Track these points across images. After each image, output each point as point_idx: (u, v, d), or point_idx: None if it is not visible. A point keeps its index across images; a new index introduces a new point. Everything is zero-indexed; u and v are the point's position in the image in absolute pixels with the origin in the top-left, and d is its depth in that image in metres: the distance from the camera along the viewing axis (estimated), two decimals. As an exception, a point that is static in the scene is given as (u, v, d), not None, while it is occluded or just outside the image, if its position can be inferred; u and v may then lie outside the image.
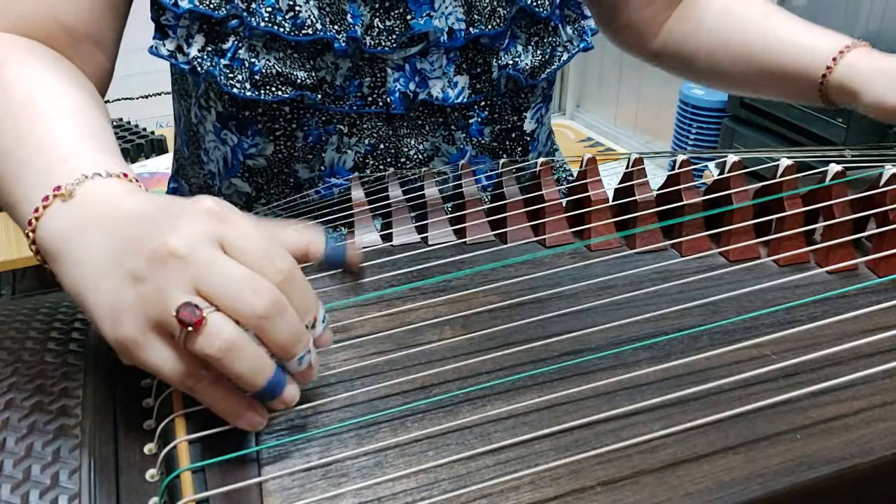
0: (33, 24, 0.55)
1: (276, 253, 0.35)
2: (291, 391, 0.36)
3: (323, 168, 0.65)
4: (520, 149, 0.70)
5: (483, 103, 0.65)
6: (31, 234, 0.40)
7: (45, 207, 0.39)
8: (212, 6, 0.57)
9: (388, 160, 0.65)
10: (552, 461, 0.36)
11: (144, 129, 1.92)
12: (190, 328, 0.33)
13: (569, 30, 0.67)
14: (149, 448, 0.37)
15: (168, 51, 0.60)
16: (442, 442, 0.37)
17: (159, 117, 2.51)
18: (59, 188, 0.40)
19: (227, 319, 0.33)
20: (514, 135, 0.68)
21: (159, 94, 2.58)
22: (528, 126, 0.69)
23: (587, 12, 0.69)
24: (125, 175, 0.41)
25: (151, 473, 0.35)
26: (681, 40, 0.77)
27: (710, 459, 0.36)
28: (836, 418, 0.39)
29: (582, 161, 0.56)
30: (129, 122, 1.94)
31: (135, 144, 1.81)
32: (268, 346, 0.34)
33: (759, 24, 0.72)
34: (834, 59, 0.67)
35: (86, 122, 0.46)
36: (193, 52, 0.59)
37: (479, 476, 0.35)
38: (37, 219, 0.40)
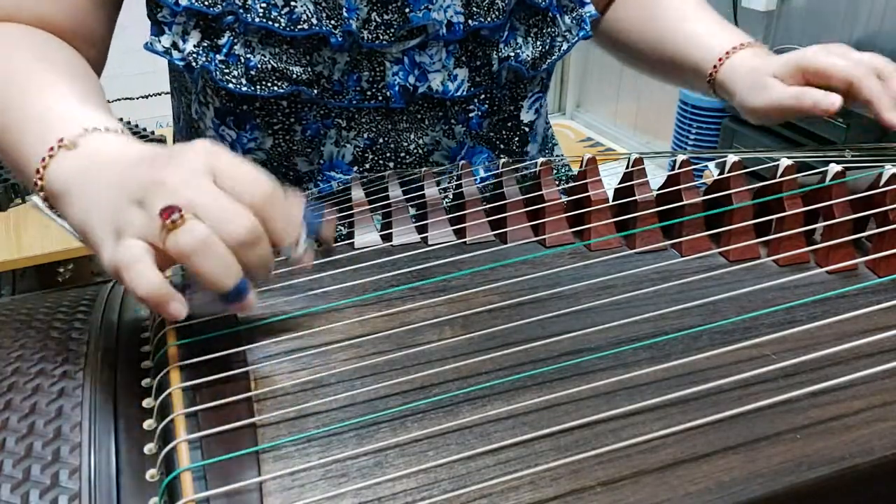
0: (18, 22, 0.56)
1: (259, 176, 0.39)
2: (253, 297, 0.39)
3: (322, 162, 0.65)
4: (517, 139, 0.69)
5: (483, 96, 0.65)
6: (39, 182, 0.44)
7: (51, 157, 0.43)
8: (207, 2, 0.57)
9: (388, 154, 0.65)
10: (552, 461, 0.36)
11: (144, 129, 1.92)
12: (168, 223, 0.36)
13: (567, 19, 0.67)
14: (149, 448, 0.37)
15: (164, 47, 0.60)
16: (442, 442, 0.37)
17: (159, 117, 2.51)
18: (62, 140, 0.44)
19: (205, 225, 0.36)
20: (510, 124, 0.68)
21: (159, 94, 2.57)
22: (526, 116, 0.69)
23: (585, 0, 0.69)
24: (122, 131, 0.45)
25: (151, 473, 0.35)
26: (612, 24, 0.81)
27: (710, 459, 0.36)
28: (836, 418, 0.39)
29: (582, 161, 0.56)
30: (129, 122, 1.94)
31: (135, 144, 1.80)
32: (243, 267, 0.38)
33: (671, 15, 0.75)
34: (720, 59, 0.69)
35: (82, 89, 0.50)
36: (189, 48, 0.59)
37: (479, 476, 0.35)
38: (44, 167, 0.43)
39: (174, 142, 0.76)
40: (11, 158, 0.48)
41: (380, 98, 0.61)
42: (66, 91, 0.49)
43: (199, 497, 0.34)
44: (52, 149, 0.43)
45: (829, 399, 0.40)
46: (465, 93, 0.63)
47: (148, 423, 0.38)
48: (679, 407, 0.39)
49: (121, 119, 1.96)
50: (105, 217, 0.39)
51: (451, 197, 0.64)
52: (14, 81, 0.50)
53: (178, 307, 0.38)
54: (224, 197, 0.37)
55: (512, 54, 0.63)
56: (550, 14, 0.65)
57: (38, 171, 0.44)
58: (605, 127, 3.53)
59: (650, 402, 0.38)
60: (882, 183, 0.52)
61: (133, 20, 0.62)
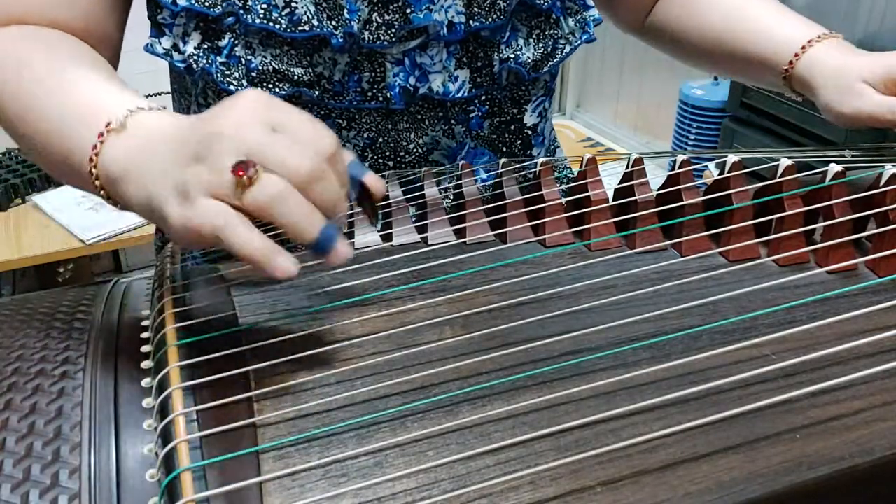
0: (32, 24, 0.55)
1: (321, 130, 0.39)
2: (345, 246, 0.39)
3: None
4: (520, 142, 0.69)
5: (483, 97, 0.65)
6: (94, 171, 0.43)
7: (101, 143, 0.43)
8: (208, 4, 0.57)
9: (388, 154, 0.65)
10: (552, 461, 0.36)
11: (144, 129, 1.91)
12: (245, 179, 0.36)
13: (570, 22, 0.67)
14: (149, 448, 0.37)
15: (164, 49, 0.60)
16: (442, 442, 0.37)
17: (159, 117, 2.50)
18: (109, 124, 0.43)
19: (279, 176, 0.37)
20: (513, 127, 0.68)
21: (159, 94, 2.57)
22: (530, 120, 0.69)
23: (589, 2, 0.69)
24: (164, 108, 0.45)
25: (151, 473, 0.35)
26: (665, 19, 0.78)
27: (710, 459, 0.36)
28: (836, 418, 0.39)
29: (582, 161, 0.56)
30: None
31: (135, 144, 1.80)
32: (315, 205, 0.38)
33: (734, 9, 0.73)
34: (797, 55, 0.67)
35: (110, 77, 0.50)
36: (190, 49, 0.59)
37: (479, 476, 0.35)
38: (97, 154, 0.43)
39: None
40: (54, 151, 0.47)
41: (380, 99, 0.61)
42: (100, 78, 0.49)
43: (199, 497, 0.34)
44: (101, 135, 0.43)
45: (829, 399, 0.40)
46: (465, 94, 0.63)
47: (148, 423, 0.38)
48: (679, 407, 0.39)
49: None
50: (166, 182, 0.38)
51: (451, 197, 0.64)
52: (45, 75, 0.49)
53: (288, 263, 0.37)
54: (281, 139, 0.37)
55: (512, 55, 0.63)
56: (553, 16, 0.65)
57: (91, 160, 0.43)
58: (605, 127, 3.52)
59: (650, 402, 0.39)
60: (882, 183, 0.52)
61: (134, 20, 0.62)
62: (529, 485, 0.35)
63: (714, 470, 0.36)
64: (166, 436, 0.37)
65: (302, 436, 0.37)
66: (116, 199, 0.44)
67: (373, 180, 0.43)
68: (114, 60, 0.61)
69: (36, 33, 0.55)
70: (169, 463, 0.35)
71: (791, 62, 0.67)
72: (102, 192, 0.44)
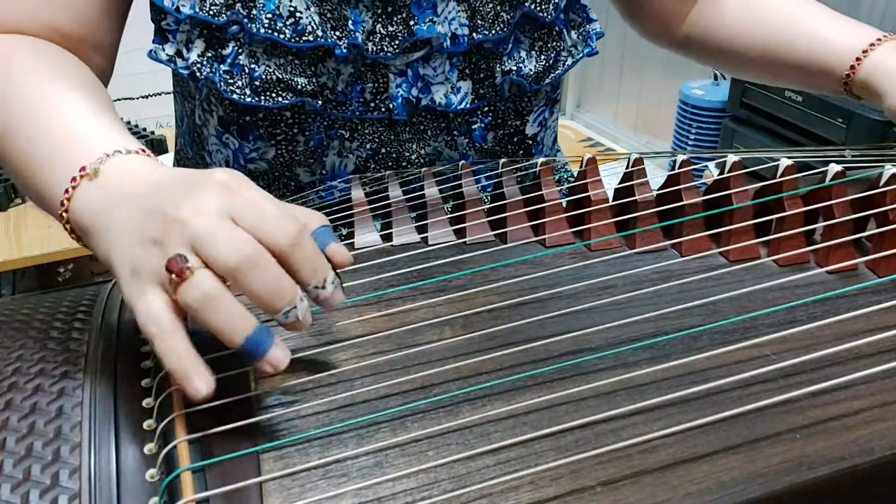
0: (27, 31, 0.55)
1: (284, 216, 0.37)
2: (277, 354, 0.37)
3: (324, 172, 0.64)
4: (522, 152, 0.69)
5: (486, 108, 0.65)
6: (64, 215, 0.43)
7: (74, 188, 0.42)
8: (212, 12, 0.56)
9: (390, 164, 0.65)
10: (552, 461, 0.36)
11: (144, 129, 1.92)
12: (174, 276, 0.35)
13: (573, 34, 0.67)
14: (149, 448, 0.37)
15: (167, 55, 0.60)
16: (442, 442, 0.37)
17: (159, 117, 2.51)
18: (83, 168, 0.42)
19: (212, 276, 0.35)
20: (516, 139, 0.68)
21: (160, 94, 2.57)
22: (531, 130, 0.69)
23: (592, 16, 0.69)
24: (143, 150, 0.44)
25: (151, 473, 0.35)
26: (704, 30, 0.76)
27: (710, 459, 0.36)
28: (836, 418, 0.39)
29: (582, 161, 0.56)
30: (129, 122, 1.94)
31: (135, 144, 1.81)
32: (251, 299, 0.36)
33: (781, 17, 0.71)
34: (858, 59, 0.65)
35: (97, 108, 0.48)
36: (193, 57, 0.58)
37: (479, 476, 0.35)
38: (68, 199, 0.42)
39: (176, 144, 0.76)
40: (30, 182, 0.46)
41: (383, 110, 0.61)
42: (85, 109, 0.48)
43: (199, 497, 0.34)
44: (74, 179, 0.42)
45: (829, 399, 0.40)
46: (468, 105, 0.63)
47: (148, 423, 0.38)
48: (679, 407, 0.39)
49: (121, 119, 1.96)
50: (125, 257, 0.38)
51: (451, 197, 0.64)
52: (33, 98, 0.49)
53: (201, 386, 0.35)
54: (223, 227, 0.36)
55: (514, 67, 0.63)
56: (556, 28, 0.65)
57: (62, 204, 0.42)
58: (605, 127, 3.53)
59: (650, 402, 0.38)
60: (882, 183, 0.52)
61: (135, 20, 0.62)
62: (529, 485, 0.35)
63: (714, 470, 0.36)
64: (166, 436, 0.37)
65: (302, 436, 0.37)
66: (87, 247, 0.43)
67: (335, 250, 0.41)
68: (108, 68, 0.61)
69: (36, 46, 0.54)
70: (169, 463, 0.35)
71: (853, 67, 0.65)
72: (73, 236, 0.43)
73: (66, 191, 0.42)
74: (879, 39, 0.65)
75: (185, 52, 0.59)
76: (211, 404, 0.38)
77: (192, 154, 0.71)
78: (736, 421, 0.38)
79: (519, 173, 0.58)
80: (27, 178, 0.47)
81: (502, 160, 0.58)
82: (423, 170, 0.58)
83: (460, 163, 0.58)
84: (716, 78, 2.68)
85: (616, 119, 3.49)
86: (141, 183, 0.41)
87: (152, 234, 0.37)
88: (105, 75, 0.61)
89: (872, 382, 0.41)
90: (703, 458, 0.36)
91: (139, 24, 0.62)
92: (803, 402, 0.39)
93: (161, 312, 0.36)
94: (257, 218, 0.37)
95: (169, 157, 1.81)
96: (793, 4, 0.71)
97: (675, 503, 0.34)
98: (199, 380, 0.36)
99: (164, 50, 0.60)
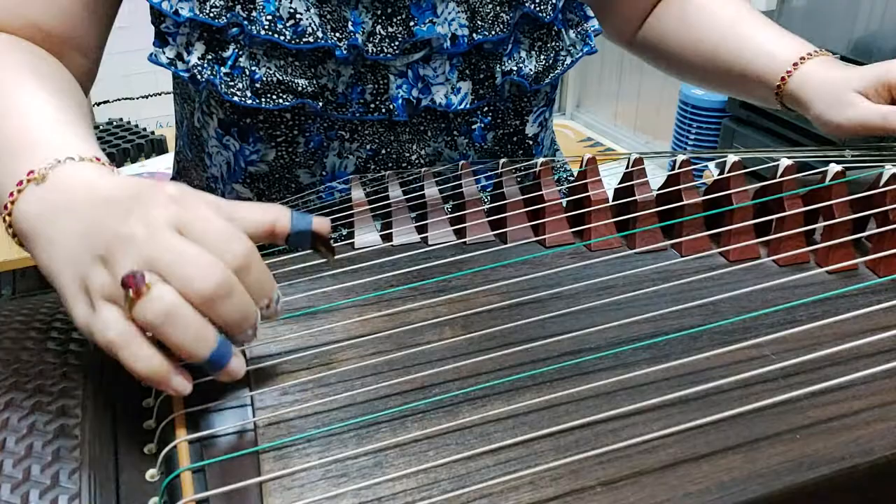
0: (8, 28, 0.56)
1: (233, 236, 0.36)
2: (237, 364, 0.36)
3: (325, 173, 0.64)
4: (521, 152, 0.69)
5: (486, 109, 0.65)
6: (7, 218, 0.41)
7: (19, 192, 0.41)
8: (212, 15, 0.56)
9: (390, 165, 0.65)
10: (552, 461, 0.36)
11: (144, 129, 1.92)
12: (131, 292, 0.34)
13: (572, 34, 0.67)
14: (149, 448, 0.37)
15: (167, 58, 0.59)
16: (442, 442, 0.37)
17: (159, 117, 2.51)
18: (31, 172, 0.41)
19: (172, 290, 0.34)
20: (515, 139, 0.68)
21: (159, 94, 2.57)
22: (531, 130, 0.69)
23: (590, 14, 0.69)
24: (97, 159, 0.42)
25: (151, 473, 0.35)
26: (657, 34, 0.79)
27: (710, 459, 0.36)
28: (836, 418, 0.39)
29: (582, 161, 0.56)
30: (129, 122, 1.94)
31: (135, 144, 1.81)
32: (215, 323, 0.35)
33: (727, 25, 0.74)
34: (788, 72, 0.68)
35: (61, 110, 0.47)
36: (193, 59, 0.58)
37: (479, 476, 0.35)
38: (12, 203, 0.41)
39: (176, 145, 0.76)
40: None
41: (383, 111, 0.61)
42: (50, 112, 0.47)
43: (199, 497, 0.34)
44: (20, 182, 0.41)
45: (829, 399, 0.40)
46: (468, 106, 0.63)
47: (148, 424, 0.38)
48: (679, 407, 0.39)
49: (121, 119, 1.96)
50: (70, 271, 0.37)
51: (451, 197, 0.64)
52: (4, 93, 0.48)
53: (184, 383, 0.36)
54: (188, 248, 0.35)
55: (515, 68, 0.63)
56: (555, 28, 0.65)
57: (5, 207, 0.41)
58: (605, 127, 3.53)
59: (650, 402, 0.39)
60: (882, 183, 0.52)
61: (134, 21, 0.62)
62: (529, 485, 0.35)
63: (714, 470, 0.36)
64: (166, 436, 0.37)
65: (302, 436, 0.37)
66: (29, 254, 0.41)
67: (318, 223, 0.41)
68: (92, 68, 0.61)
69: (12, 45, 0.54)
70: (169, 463, 0.35)
71: (783, 78, 0.68)
72: (16, 240, 0.42)
73: (11, 193, 0.41)
74: (810, 54, 0.68)
75: (185, 54, 0.59)
76: (211, 404, 0.38)
77: (192, 156, 0.71)
78: (736, 421, 0.38)
79: (519, 173, 0.58)
80: None
81: (502, 160, 0.58)
82: (423, 170, 0.58)
83: (460, 163, 0.58)
84: (716, 78, 2.67)
85: (616, 119, 3.49)
86: (88, 192, 0.39)
87: (100, 250, 0.36)
88: (89, 75, 0.61)
89: (872, 382, 0.41)
90: (703, 458, 0.36)
91: (140, 25, 0.62)
92: (803, 402, 0.39)
93: (118, 320, 0.35)
94: (207, 235, 0.36)
95: (168, 157, 1.82)
96: (739, 14, 0.74)
97: (675, 503, 0.34)
98: (177, 376, 0.36)
99: (164, 53, 0.60)
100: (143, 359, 0.35)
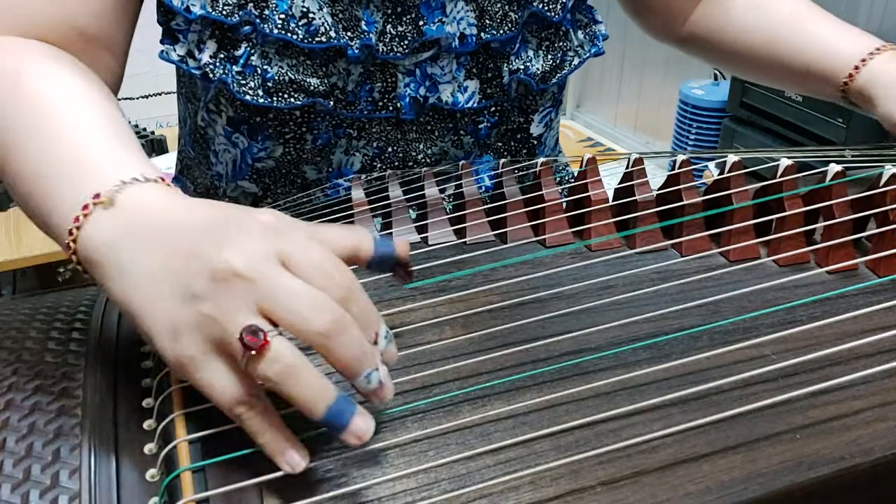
0: (46, 28, 0.53)
1: (335, 267, 0.35)
2: (360, 423, 0.34)
3: (331, 170, 0.65)
4: (525, 151, 0.69)
5: (493, 108, 0.65)
6: (72, 245, 0.38)
7: (85, 216, 0.38)
8: (224, 12, 0.56)
9: (396, 164, 0.65)
10: (552, 461, 0.36)
11: (144, 129, 1.92)
12: (253, 352, 0.32)
13: (580, 34, 0.67)
14: (149, 448, 0.37)
15: (179, 56, 0.59)
16: (442, 442, 0.37)
17: (159, 117, 2.51)
18: (98, 196, 0.38)
19: (290, 344, 0.33)
20: (519, 136, 0.68)
21: (160, 94, 2.57)
22: (536, 130, 0.69)
23: (598, 17, 0.69)
24: (162, 179, 0.40)
25: (151, 473, 0.35)
26: (707, 29, 0.77)
27: (710, 459, 0.36)
28: (836, 418, 0.39)
29: (582, 161, 0.56)
30: (129, 122, 1.94)
31: (135, 144, 1.80)
32: (333, 364, 0.34)
33: (785, 21, 0.72)
34: (856, 67, 0.66)
35: (113, 127, 0.45)
36: (205, 58, 0.58)
37: (479, 476, 0.35)
38: (78, 228, 0.38)
39: (178, 143, 0.76)
40: (35, 204, 0.42)
41: (391, 109, 0.61)
42: (102, 129, 0.44)
43: (199, 497, 0.34)
44: (86, 207, 0.38)
45: (829, 399, 0.40)
46: (475, 104, 0.63)
47: (148, 424, 0.38)
48: (679, 407, 0.39)
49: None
50: (155, 308, 0.34)
51: (451, 198, 0.64)
52: (43, 114, 0.45)
53: (297, 458, 0.34)
54: (298, 286, 0.33)
55: (522, 67, 0.63)
56: (563, 28, 0.65)
57: (70, 233, 0.38)
58: (605, 127, 3.53)
59: (650, 402, 0.39)
60: (882, 183, 0.52)
61: (137, 21, 0.61)
62: (529, 485, 0.35)
63: (714, 470, 0.36)
64: (166, 436, 0.37)
65: (301, 436, 0.37)
66: (96, 282, 0.38)
67: (401, 248, 0.40)
68: (119, 71, 0.60)
69: (45, 56, 0.51)
70: (169, 463, 0.35)
71: (850, 75, 0.66)
72: (80, 267, 0.39)
73: (77, 218, 0.38)
74: (878, 49, 0.66)
75: (196, 52, 0.59)
76: (211, 403, 0.38)
77: (196, 154, 0.71)
78: (736, 421, 0.38)
79: (519, 173, 0.58)
80: (33, 200, 0.43)
81: (502, 160, 0.58)
82: (423, 169, 0.58)
83: (460, 163, 0.58)
84: (716, 78, 2.68)
85: (616, 119, 3.49)
86: (166, 217, 0.37)
87: (194, 289, 0.33)
88: (117, 77, 0.59)
89: (872, 382, 0.41)
90: (703, 458, 0.36)
91: (140, 26, 0.62)
92: (803, 402, 0.39)
93: (239, 389, 0.34)
94: (311, 268, 0.34)
95: (169, 157, 1.82)
96: (800, 9, 0.72)
97: (674, 503, 0.34)
98: (293, 454, 0.34)
99: (175, 50, 0.59)
100: (259, 432, 0.34)
